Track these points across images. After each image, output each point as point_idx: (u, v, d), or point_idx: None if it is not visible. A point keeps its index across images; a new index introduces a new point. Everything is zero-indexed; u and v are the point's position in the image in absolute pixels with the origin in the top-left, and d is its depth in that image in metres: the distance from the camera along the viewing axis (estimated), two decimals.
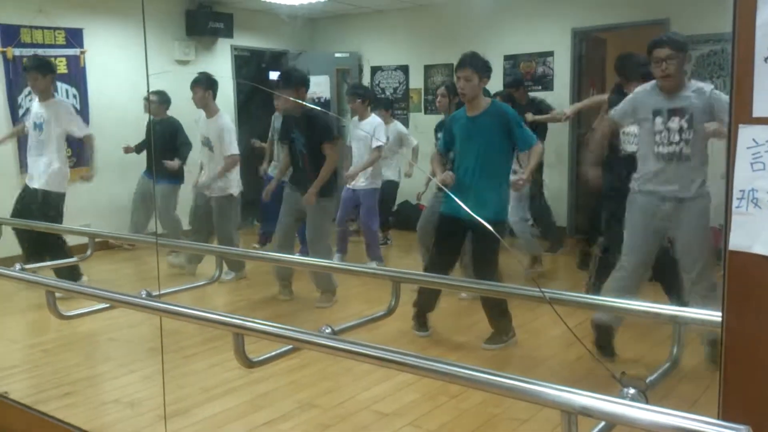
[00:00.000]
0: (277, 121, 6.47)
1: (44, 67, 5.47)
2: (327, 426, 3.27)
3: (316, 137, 4.98)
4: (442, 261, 4.26)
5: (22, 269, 2.84)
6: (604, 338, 3.80)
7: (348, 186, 6.18)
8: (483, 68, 4.07)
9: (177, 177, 6.22)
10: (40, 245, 5.22)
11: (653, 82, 3.68)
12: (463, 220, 4.00)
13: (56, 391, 3.63)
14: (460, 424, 3.21)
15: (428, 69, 8.48)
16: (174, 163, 6.10)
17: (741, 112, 1.27)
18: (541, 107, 6.72)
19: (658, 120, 3.60)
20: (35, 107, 5.51)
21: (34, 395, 3.52)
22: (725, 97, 3.44)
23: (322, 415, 3.35)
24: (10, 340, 4.63)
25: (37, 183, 5.38)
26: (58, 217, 5.35)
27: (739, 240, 1.28)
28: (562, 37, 7.53)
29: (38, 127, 5.39)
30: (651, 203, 3.66)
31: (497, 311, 4.15)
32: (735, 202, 1.29)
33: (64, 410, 3.31)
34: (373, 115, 6.23)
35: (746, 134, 1.27)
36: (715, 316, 1.41)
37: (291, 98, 4.93)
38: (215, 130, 5.61)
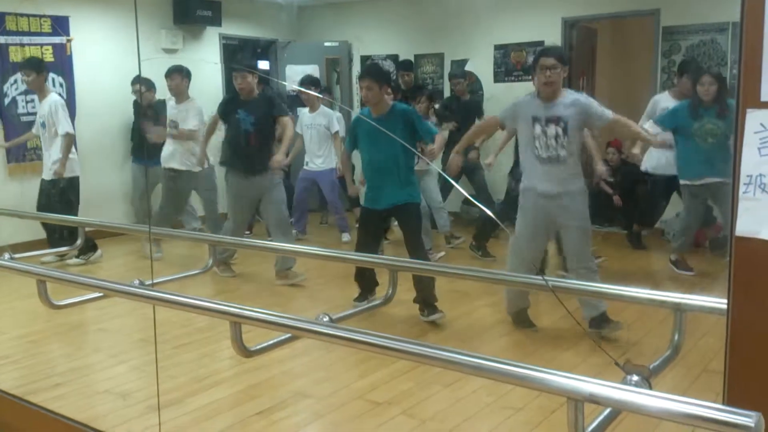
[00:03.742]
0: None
1: (37, 65, 6.00)
2: (321, 415, 3.26)
3: (269, 113, 5.34)
4: (365, 243, 4.68)
5: (11, 258, 2.81)
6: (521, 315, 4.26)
7: (305, 168, 6.87)
8: (382, 77, 4.58)
9: None
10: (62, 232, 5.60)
11: (533, 91, 4.08)
12: (380, 211, 4.61)
13: (46, 382, 3.59)
14: (454, 413, 3.21)
15: (419, 58, 8.44)
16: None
17: (749, 97, 1.25)
18: (478, 110, 7.12)
19: (537, 126, 3.97)
20: (39, 107, 6.06)
21: (24, 386, 3.48)
22: (596, 106, 3.94)
23: (316, 405, 3.34)
24: None
25: (47, 174, 5.92)
26: (75, 200, 5.94)
27: (745, 226, 1.27)
28: (553, 26, 7.50)
29: (42, 125, 5.95)
30: (537, 200, 4.04)
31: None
32: (742, 188, 1.27)
33: (54, 401, 3.27)
34: (322, 106, 6.84)
35: (754, 119, 1.26)
36: (720, 303, 1.40)
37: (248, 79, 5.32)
38: (185, 113, 5.94)
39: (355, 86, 8.63)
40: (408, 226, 4.62)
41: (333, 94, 8.48)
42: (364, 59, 8.83)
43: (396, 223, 5.36)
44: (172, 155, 6.06)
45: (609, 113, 3.95)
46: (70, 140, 5.89)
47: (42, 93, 5.99)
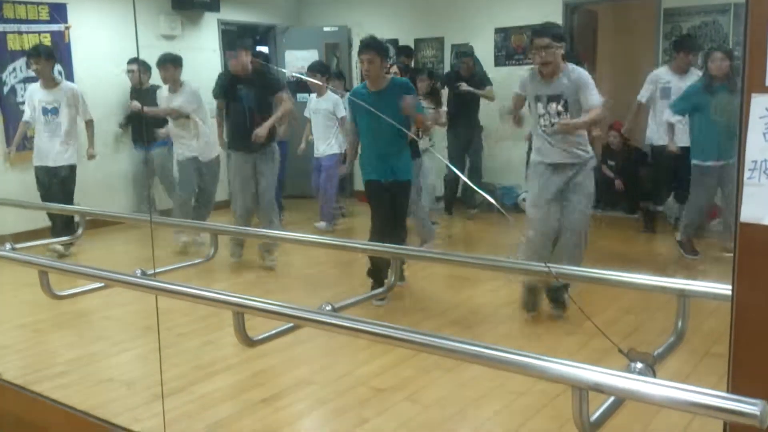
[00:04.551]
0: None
1: (46, 52, 6.05)
2: (324, 402, 3.26)
3: (267, 90, 5.41)
4: (381, 218, 4.65)
5: (13, 248, 2.80)
6: (530, 298, 4.24)
7: (316, 156, 6.90)
8: (383, 50, 4.60)
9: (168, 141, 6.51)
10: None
11: (535, 68, 4.08)
12: (381, 181, 4.57)
13: (50, 371, 3.60)
14: (456, 398, 3.22)
15: (419, 42, 8.39)
16: (165, 130, 6.42)
17: (754, 81, 1.23)
18: (484, 81, 7.23)
19: (540, 105, 4.04)
20: (40, 94, 6.02)
21: (28, 375, 3.49)
22: (589, 87, 3.91)
23: (320, 391, 3.35)
24: (0, 321, 4.58)
25: (60, 161, 5.96)
26: (73, 187, 6.02)
27: (750, 212, 1.25)
28: (554, 9, 7.44)
29: (50, 112, 5.98)
30: (545, 172, 4.09)
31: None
32: (747, 173, 1.26)
33: (58, 390, 3.28)
34: (329, 91, 6.81)
35: (759, 104, 1.24)
36: (724, 289, 1.39)
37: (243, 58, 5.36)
38: (183, 100, 5.92)
39: (356, 71, 8.58)
40: (396, 204, 4.61)
41: (331, 78, 8.42)
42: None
43: None
44: (181, 145, 6.06)
45: (595, 101, 3.90)
46: (93, 125, 6.13)
47: (48, 80, 5.99)
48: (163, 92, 6.02)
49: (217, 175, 6.16)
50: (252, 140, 5.24)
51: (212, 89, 5.71)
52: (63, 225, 5.68)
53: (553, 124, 4.01)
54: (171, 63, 5.87)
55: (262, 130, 5.25)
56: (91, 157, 6.05)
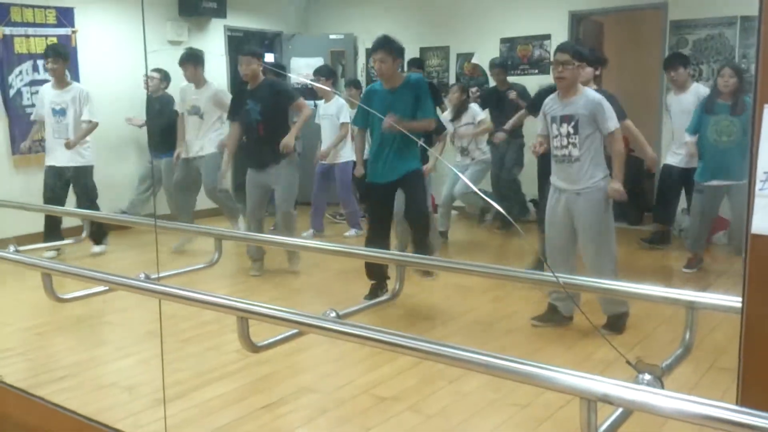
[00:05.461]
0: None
1: (62, 52, 6.09)
2: (326, 410, 3.24)
3: (278, 102, 5.26)
4: (378, 223, 4.67)
5: (17, 251, 2.80)
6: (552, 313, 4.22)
7: (322, 162, 6.82)
8: (396, 50, 4.51)
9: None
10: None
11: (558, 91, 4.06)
12: (386, 185, 4.54)
13: (51, 375, 3.58)
14: (459, 409, 3.19)
15: (424, 51, 8.40)
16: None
17: (766, 91, 1.23)
18: (524, 93, 6.83)
19: (554, 126, 4.00)
20: (51, 94, 6.04)
21: (29, 379, 3.48)
22: (607, 105, 3.88)
23: (321, 400, 3.33)
24: (3, 324, 4.58)
25: (68, 161, 5.97)
26: (93, 187, 6.04)
27: (761, 223, 1.24)
28: (560, 20, 7.47)
29: (59, 113, 6.00)
30: (555, 196, 4.08)
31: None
32: (758, 185, 1.25)
33: (59, 394, 3.26)
34: (336, 96, 6.80)
35: None
36: (734, 301, 1.38)
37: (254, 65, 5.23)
38: (206, 98, 5.97)
39: (361, 78, 8.60)
40: (413, 193, 4.59)
41: (339, 84, 8.43)
42: (370, 52, 8.78)
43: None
44: (198, 145, 6.04)
45: (612, 125, 3.86)
46: (94, 128, 6.04)
47: (62, 81, 6.03)
48: (190, 88, 6.03)
49: (215, 169, 5.98)
50: (283, 151, 5.17)
51: (227, 112, 5.67)
52: (53, 227, 5.70)
53: (563, 146, 3.96)
54: (191, 62, 5.94)
55: (289, 139, 5.15)
56: (67, 145, 5.93)
